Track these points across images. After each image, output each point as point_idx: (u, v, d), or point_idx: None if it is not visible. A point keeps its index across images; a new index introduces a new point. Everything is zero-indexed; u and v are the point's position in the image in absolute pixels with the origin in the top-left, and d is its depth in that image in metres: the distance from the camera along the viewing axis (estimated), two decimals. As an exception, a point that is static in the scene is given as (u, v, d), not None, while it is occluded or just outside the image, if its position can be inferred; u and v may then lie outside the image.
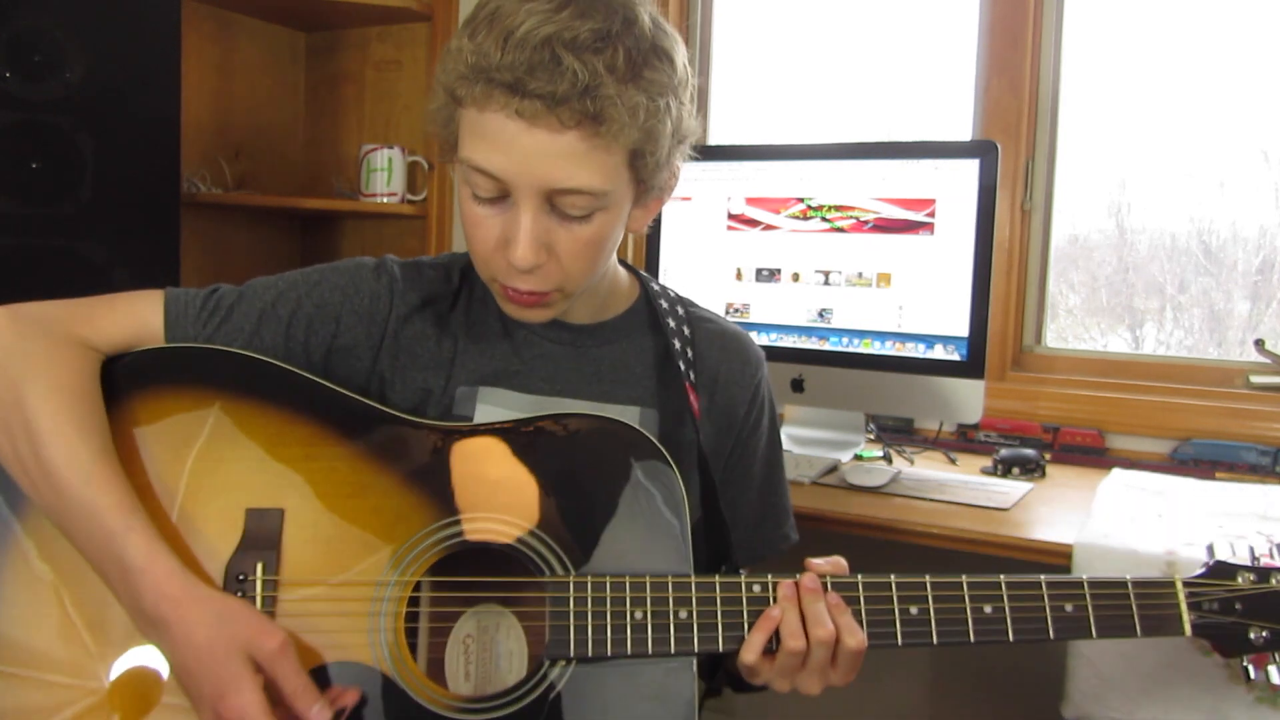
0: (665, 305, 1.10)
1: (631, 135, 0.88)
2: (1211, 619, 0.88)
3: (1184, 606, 0.88)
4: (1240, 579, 0.89)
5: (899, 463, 1.74)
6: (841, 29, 2.21)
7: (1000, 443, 1.82)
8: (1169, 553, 1.20)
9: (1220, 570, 0.90)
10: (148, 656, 0.89)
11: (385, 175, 2.32)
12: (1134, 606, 0.89)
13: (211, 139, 2.37)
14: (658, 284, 1.13)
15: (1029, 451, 1.69)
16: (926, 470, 1.70)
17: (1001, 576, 0.90)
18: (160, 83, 1.83)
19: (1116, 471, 1.63)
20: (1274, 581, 0.89)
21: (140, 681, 0.89)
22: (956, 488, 1.56)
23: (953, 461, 1.78)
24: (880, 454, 1.78)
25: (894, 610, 0.91)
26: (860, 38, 2.19)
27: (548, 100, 0.85)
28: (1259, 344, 1.75)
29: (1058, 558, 1.28)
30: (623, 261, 1.12)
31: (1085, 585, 0.89)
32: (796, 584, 0.91)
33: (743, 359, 1.12)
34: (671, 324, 1.08)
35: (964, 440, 1.89)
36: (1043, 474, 1.68)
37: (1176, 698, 0.92)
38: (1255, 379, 1.74)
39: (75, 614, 0.89)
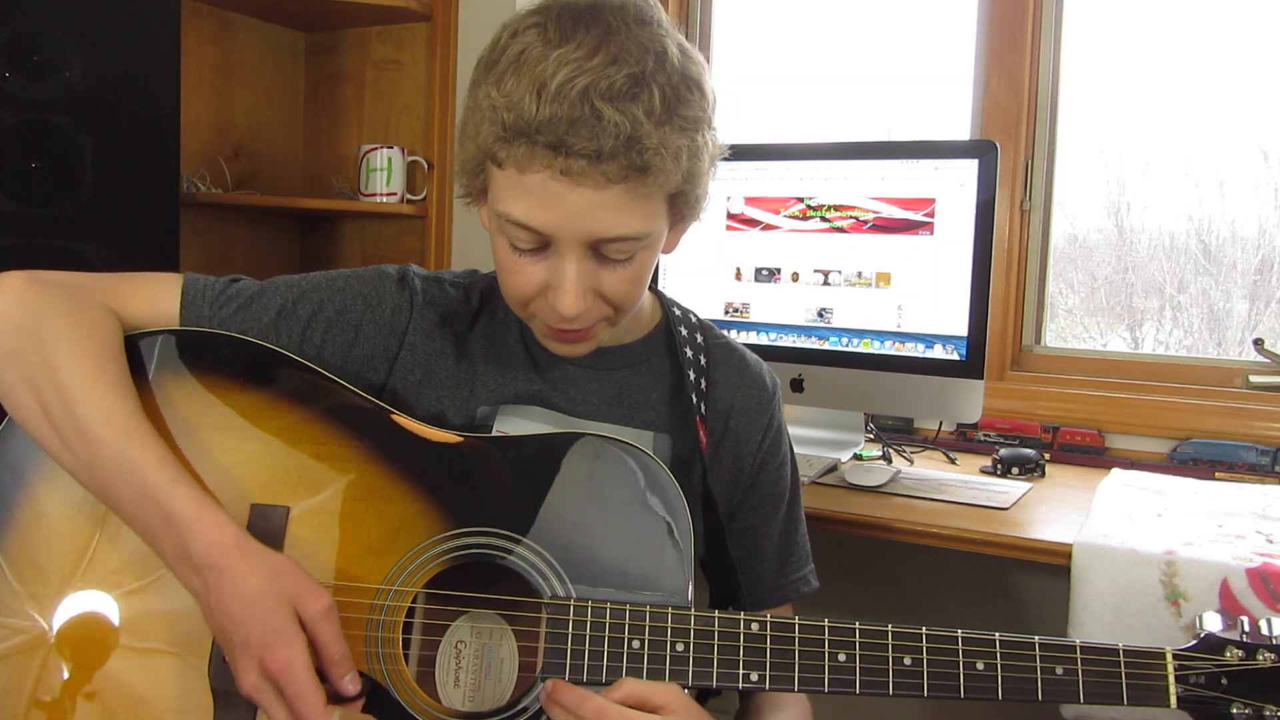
0: (685, 333, 1.09)
1: (675, 179, 0.88)
2: (1197, 693, 0.89)
3: (1172, 679, 0.89)
4: (1229, 653, 0.89)
5: (898, 462, 1.75)
6: (841, 29, 2.21)
7: (1000, 442, 1.82)
8: (1168, 552, 1.20)
9: (1210, 644, 0.90)
10: (92, 601, 0.89)
11: (385, 175, 2.32)
12: (1123, 675, 0.89)
13: (211, 139, 2.37)
14: (679, 308, 1.12)
15: (1028, 451, 1.69)
16: (926, 470, 1.70)
17: (997, 635, 0.90)
18: (160, 83, 1.83)
19: (1116, 471, 1.63)
20: (1260, 658, 0.89)
21: (91, 627, 0.90)
22: (956, 487, 1.56)
23: (952, 461, 1.78)
24: (880, 453, 1.78)
25: (888, 659, 0.90)
26: (860, 38, 2.19)
27: (592, 158, 0.83)
28: (1258, 344, 1.75)
29: (1057, 557, 1.29)
30: None
31: (1078, 649, 0.89)
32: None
33: (758, 386, 1.11)
34: (689, 354, 1.07)
35: (963, 440, 1.89)
36: (1042, 474, 1.68)
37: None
38: (1254, 379, 1.74)
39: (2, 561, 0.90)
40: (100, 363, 0.90)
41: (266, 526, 0.91)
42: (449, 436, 0.97)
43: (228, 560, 0.84)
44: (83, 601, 0.90)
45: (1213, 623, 0.92)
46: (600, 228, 0.88)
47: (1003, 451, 1.70)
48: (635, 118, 0.83)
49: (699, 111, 0.89)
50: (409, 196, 2.38)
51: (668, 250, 1.01)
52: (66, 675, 0.89)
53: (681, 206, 0.94)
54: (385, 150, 2.32)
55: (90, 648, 0.89)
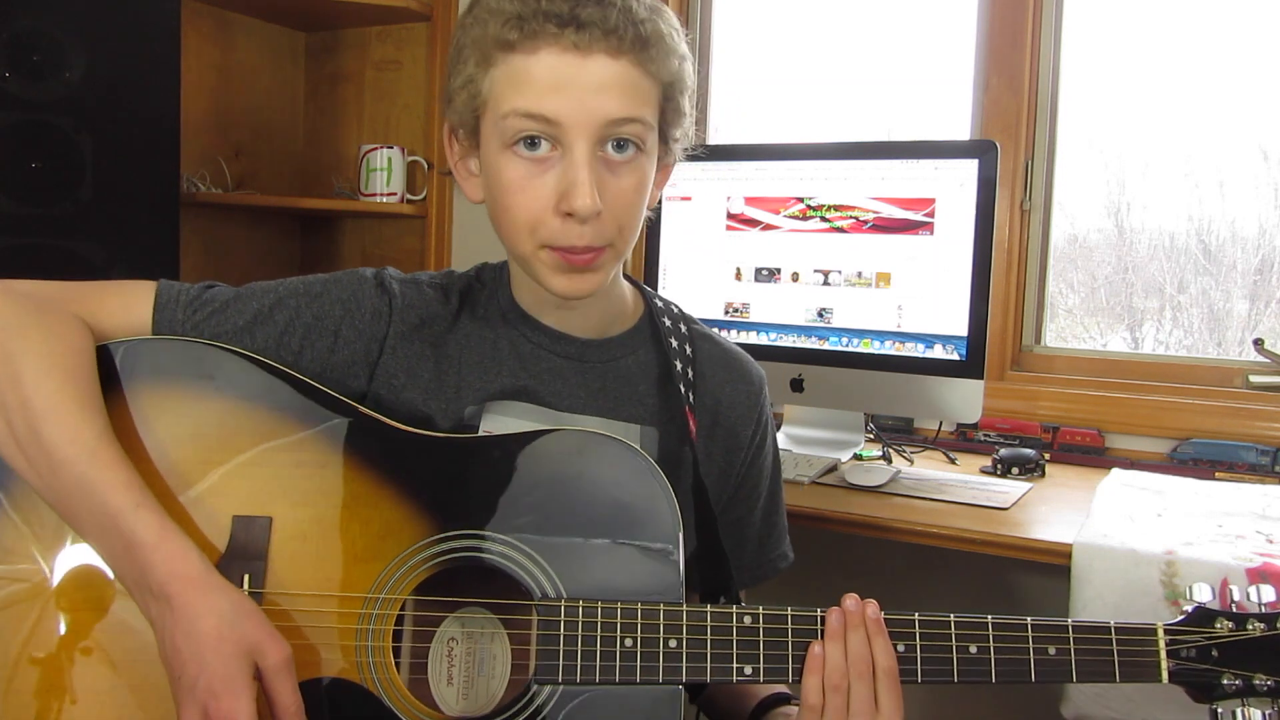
0: (669, 323, 1.09)
1: (672, 64, 0.93)
2: (1188, 666, 0.89)
3: (1163, 654, 0.90)
4: (1219, 625, 0.90)
5: (898, 462, 1.75)
6: (841, 29, 2.22)
7: (1000, 442, 1.82)
8: (1168, 552, 1.20)
9: (1201, 616, 0.91)
10: (90, 554, 0.88)
11: (385, 175, 2.32)
12: (1115, 652, 0.90)
13: (211, 139, 2.37)
14: (661, 299, 1.12)
15: (1028, 451, 1.69)
16: (926, 470, 1.70)
17: (990, 617, 0.90)
18: (160, 83, 1.84)
19: (1116, 471, 1.63)
20: (1250, 628, 0.90)
21: (86, 581, 0.89)
22: (956, 487, 1.56)
23: (952, 461, 1.78)
24: (880, 453, 1.78)
25: None
26: (860, 38, 2.19)
27: (602, 28, 0.88)
28: (1258, 344, 1.75)
29: (1057, 557, 1.28)
30: (628, 277, 1.11)
31: (1070, 629, 0.90)
32: (843, 612, 0.90)
33: (746, 381, 1.11)
34: (674, 343, 1.07)
35: (963, 440, 1.89)
36: (1042, 474, 1.68)
37: (1175, 699, 0.93)
38: (1254, 379, 1.74)
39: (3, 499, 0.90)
40: (69, 378, 0.87)
41: (249, 538, 0.89)
42: (433, 437, 0.95)
43: (186, 595, 0.82)
44: (83, 551, 0.89)
45: (1202, 594, 0.92)
46: (613, 106, 0.90)
47: (1003, 451, 1.70)
48: (628, 2, 0.90)
49: (676, 27, 0.95)
50: (409, 196, 2.38)
51: (651, 202, 1.00)
52: (65, 626, 0.88)
53: (667, 115, 0.97)
54: (385, 150, 2.32)
55: (91, 597, 0.88)
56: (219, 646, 0.81)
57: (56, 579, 0.89)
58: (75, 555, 0.89)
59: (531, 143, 0.91)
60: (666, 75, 0.93)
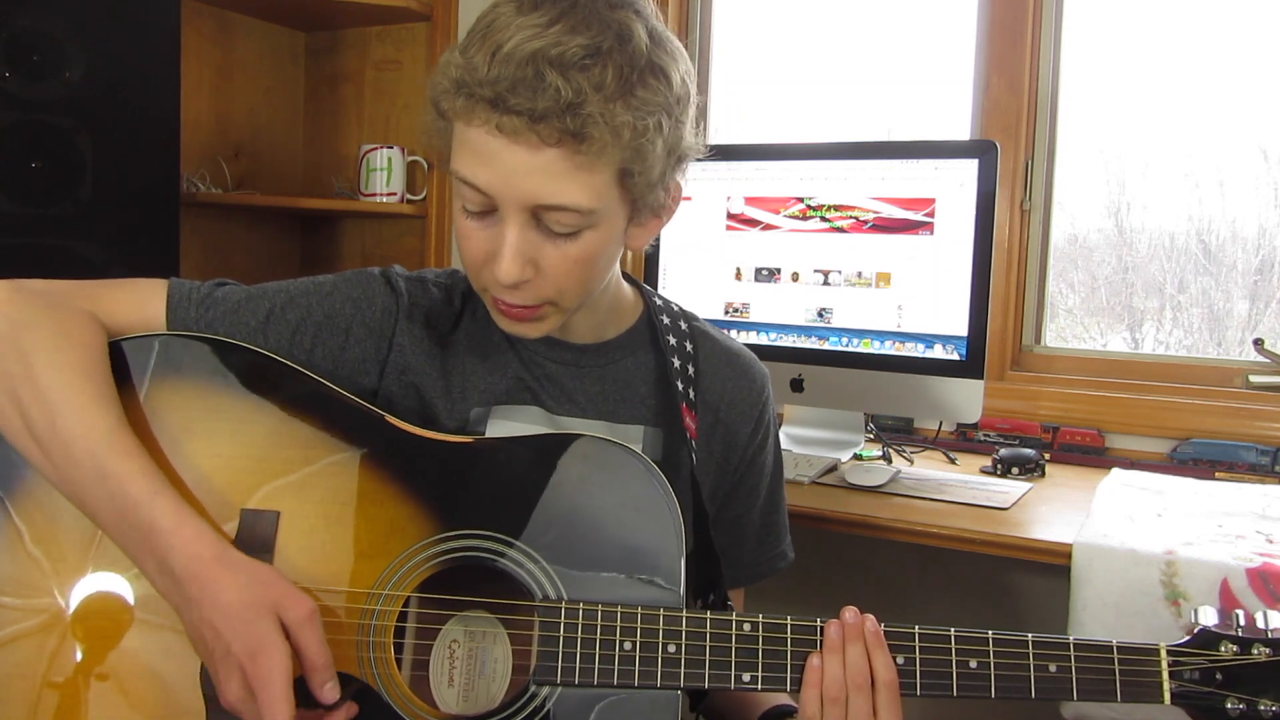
0: (668, 321, 1.09)
1: (616, 154, 0.86)
2: (1191, 688, 0.88)
3: (1166, 675, 0.88)
4: (1223, 648, 0.89)
5: (898, 462, 1.75)
6: (841, 29, 2.21)
7: (1000, 442, 1.82)
8: (1168, 552, 1.20)
9: (1205, 639, 0.90)
10: (109, 583, 0.89)
11: (385, 175, 2.32)
12: (1117, 672, 0.89)
13: (211, 139, 2.37)
14: (661, 298, 1.12)
15: (1028, 451, 1.69)
16: (926, 470, 1.70)
17: (990, 632, 0.90)
18: (160, 83, 1.84)
19: (1116, 471, 1.63)
20: (1256, 652, 0.88)
21: (105, 606, 0.90)
22: (956, 487, 1.56)
23: (952, 461, 1.78)
24: (880, 453, 1.78)
25: None
26: (860, 38, 2.19)
27: (527, 117, 0.83)
28: (1258, 344, 1.75)
29: (1057, 557, 1.29)
30: (627, 276, 1.10)
31: (1071, 646, 0.89)
32: (842, 625, 0.90)
33: (748, 379, 1.11)
34: (673, 341, 1.07)
35: (963, 440, 1.89)
36: (1042, 474, 1.68)
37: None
38: (1254, 379, 1.74)
39: (25, 530, 0.90)
40: (82, 372, 0.89)
41: (256, 532, 0.91)
42: (440, 438, 0.96)
43: (207, 572, 0.84)
44: (97, 581, 0.90)
45: (1207, 617, 0.91)
46: (539, 192, 0.87)
47: (1003, 451, 1.70)
48: (580, 87, 0.83)
49: (659, 98, 0.87)
50: (409, 196, 2.38)
51: (634, 246, 0.99)
52: (80, 656, 0.89)
53: (632, 190, 0.91)
54: (385, 150, 2.32)
55: (105, 628, 0.89)
56: (244, 613, 0.83)
57: (72, 608, 0.90)
58: (89, 585, 0.90)
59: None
60: (616, 161, 0.87)
